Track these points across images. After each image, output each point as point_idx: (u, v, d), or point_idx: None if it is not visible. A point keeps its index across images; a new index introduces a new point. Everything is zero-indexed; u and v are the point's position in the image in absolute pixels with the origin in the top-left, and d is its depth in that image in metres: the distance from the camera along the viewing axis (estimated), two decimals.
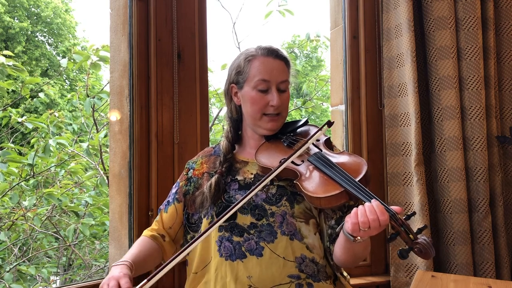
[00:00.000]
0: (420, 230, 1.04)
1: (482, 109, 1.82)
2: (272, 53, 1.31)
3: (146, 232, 1.37)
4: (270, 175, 1.17)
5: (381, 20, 1.98)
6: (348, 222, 1.05)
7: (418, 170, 1.79)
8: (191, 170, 1.40)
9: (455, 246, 1.79)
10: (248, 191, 1.14)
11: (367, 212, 1.03)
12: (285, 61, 1.33)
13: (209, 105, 2.82)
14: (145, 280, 1.05)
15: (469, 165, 1.83)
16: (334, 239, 1.24)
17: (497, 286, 1.31)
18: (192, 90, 1.75)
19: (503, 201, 1.86)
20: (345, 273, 1.34)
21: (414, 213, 1.06)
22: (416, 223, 1.80)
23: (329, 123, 1.20)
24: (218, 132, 3.23)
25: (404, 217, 1.05)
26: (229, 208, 1.13)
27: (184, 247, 1.09)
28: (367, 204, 1.05)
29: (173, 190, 1.41)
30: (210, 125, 2.50)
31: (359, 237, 1.07)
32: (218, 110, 3.09)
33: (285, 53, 1.34)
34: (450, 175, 1.80)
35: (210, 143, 1.82)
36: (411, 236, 1.02)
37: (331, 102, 2.21)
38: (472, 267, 1.79)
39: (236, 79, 1.34)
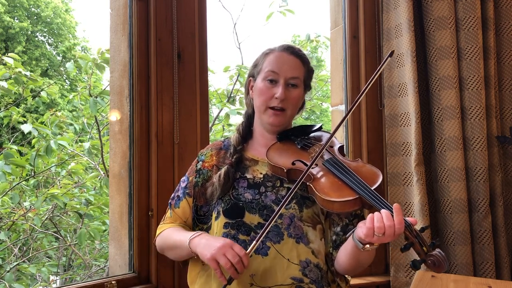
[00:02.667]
0: (433, 244, 1.04)
1: (482, 109, 1.82)
2: (288, 49, 1.32)
3: (173, 225, 1.35)
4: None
5: (381, 20, 1.98)
6: (363, 227, 1.05)
7: (418, 170, 1.79)
8: (200, 163, 1.38)
9: (455, 246, 1.79)
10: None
11: (384, 218, 1.02)
12: (301, 59, 1.32)
13: (210, 105, 2.82)
14: (254, 242, 1.12)
15: (469, 165, 1.83)
16: (338, 245, 1.24)
17: (497, 286, 1.31)
18: (192, 90, 1.75)
19: (503, 201, 1.86)
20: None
21: (428, 226, 1.07)
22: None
23: (391, 54, 1.21)
24: (218, 133, 3.23)
25: (419, 229, 1.05)
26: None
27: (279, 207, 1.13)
28: (383, 210, 1.04)
29: (182, 185, 1.38)
30: (210, 125, 2.50)
31: (367, 246, 1.07)
32: (218, 110, 3.08)
33: (303, 53, 1.34)
34: (450, 175, 1.80)
35: (210, 143, 1.82)
36: (424, 248, 1.02)
37: (331, 102, 2.21)
38: (472, 267, 1.79)
39: (252, 72, 1.37)
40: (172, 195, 1.40)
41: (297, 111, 1.40)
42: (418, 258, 1.03)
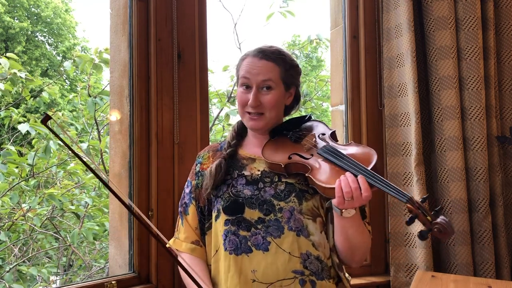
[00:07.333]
0: (436, 212, 1.08)
1: (482, 109, 1.82)
2: (259, 53, 1.31)
3: (185, 247, 1.34)
4: None
5: (381, 20, 1.98)
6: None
7: (418, 170, 1.78)
8: (199, 165, 1.40)
9: (455, 246, 1.79)
10: None
11: (350, 181, 1.11)
12: (274, 61, 1.30)
13: (210, 106, 2.82)
14: None
15: (469, 165, 1.82)
16: None
17: (497, 286, 1.31)
18: (192, 90, 1.74)
19: (503, 201, 1.86)
20: (346, 274, 1.34)
21: (427, 197, 1.13)
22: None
23: None
24: (219, 133, 3.23)
25: (420, 200, 1.10)
26: None
27: None
28: (348, 173, 1.13)
29: (187, 190, 1.40)
30: (210, 125, 2.50)
31: (344, 211, 1.14)
32: (218, 110, 3.08)
33: (278, 53, 1.32)
34: (450, 175, 1.80)
35: (210, 143, 1.82)
36: (428, 217, 1.06)
37: (331, 102, 2.21)
38: (472, 267, 1.79)
39: (236, 76, 1.38)
40: (180, 202, 1.42)
41: (290, 109, 1.42)
42: (425, 229, 1.07)
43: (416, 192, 1.79)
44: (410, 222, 1.08)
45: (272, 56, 1.31)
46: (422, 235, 1.06)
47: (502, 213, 1.84)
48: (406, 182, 1.87)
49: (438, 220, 1.05)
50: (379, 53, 2.01)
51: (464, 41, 1.84)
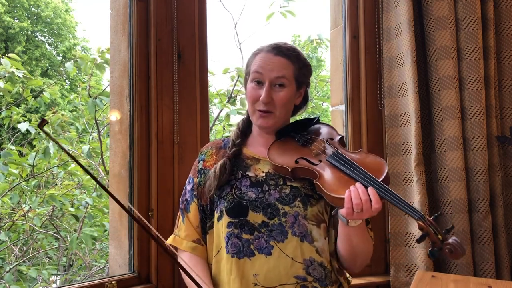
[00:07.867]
0: (447, 231, 1.05)
1: (482, 109, 1.82)
2: (274, 49, 1.29)
3: (185, 245, 1.32)
4: None
5: (381, 20, 1.98)
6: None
7: (418, 170, 1.78)
8: (201, 162, 1.38)
9: None
10: None
11: (360, 193, 1.08)
12: (288, 58, 1.29)
13: (210, 106, 2.82)
14: None
15: (469, 165, 1.82)
16: None
17: (497, 286, 1.31)
18: (192, 90, 1.74)
19: (503, 201, 1.86)
20: (347, 275, 1.34)
21: (440, 213, 1.09)
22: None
23: None
24: (219, 133, 3.23)
25: (431, 218, 1.06)
26: None
27: None
28: (358, 184, 1.10)
29: (189, 187, 1.38)
30: (210, 125, 2.50)
31: (350, 220, 1.12)
32: (219, 110, 3.08)
33: (292, 50, 1.31)
34: (450, 175, 1.80)
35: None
36: (439, 236, 1.03)
37: (331, 102, 2.21)
38: (472, 267, 1.79)
39: (246, 71, 1.36)
40: (181, 199, 1.40)
41: (297, 109, 1.41)
42: (435, 248, 1.04)
43: (416, 192, 1.79)
44: (420, 240, 1.05)
45: (287, 52, 1.29)
46: (432, 255, 1.03)
47: (502, 213, 1.84)
48: (406, 182, 1.87)
49: (450, 240, 1.01)
50: (379, 53, 2.01)
51: (464, 41, 1.84)
